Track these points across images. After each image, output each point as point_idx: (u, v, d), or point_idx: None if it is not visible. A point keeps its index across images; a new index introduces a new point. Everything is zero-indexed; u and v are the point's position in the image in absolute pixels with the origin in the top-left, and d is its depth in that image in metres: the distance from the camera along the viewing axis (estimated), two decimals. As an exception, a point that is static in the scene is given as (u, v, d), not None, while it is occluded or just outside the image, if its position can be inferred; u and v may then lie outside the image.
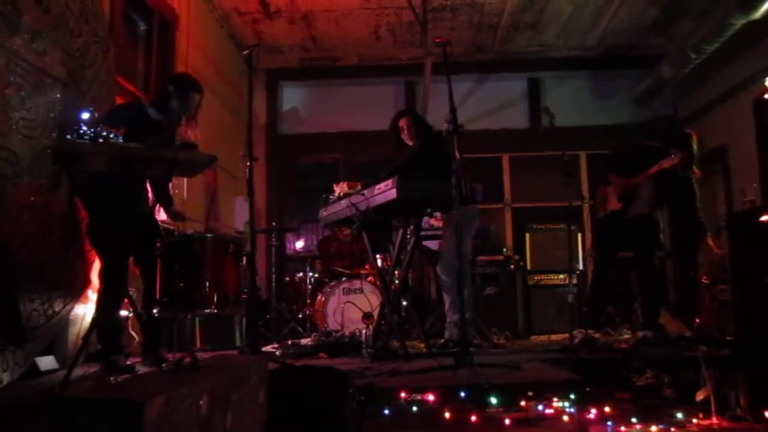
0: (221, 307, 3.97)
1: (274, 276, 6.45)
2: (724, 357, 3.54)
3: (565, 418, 2.66)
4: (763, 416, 2.86)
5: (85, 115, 2.86)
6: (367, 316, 4.14)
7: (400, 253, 4.31)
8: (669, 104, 8.01)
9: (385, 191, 3.66)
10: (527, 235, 6.48)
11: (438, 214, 4.78)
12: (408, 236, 4.27)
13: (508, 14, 7.03)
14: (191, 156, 3.23)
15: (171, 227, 4.10)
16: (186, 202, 5.06)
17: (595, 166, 7.66)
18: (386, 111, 5.15)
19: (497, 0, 6.73)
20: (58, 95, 3.41)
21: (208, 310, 3.97)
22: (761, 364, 3.26)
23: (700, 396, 3.13)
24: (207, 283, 3.85)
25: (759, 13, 5.29)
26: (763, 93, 4.27)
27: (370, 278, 5.42)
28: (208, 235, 4.10)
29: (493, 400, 2.63)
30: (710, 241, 4.66)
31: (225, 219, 6.59)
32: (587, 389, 2.80)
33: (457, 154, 3.37)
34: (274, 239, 6.55)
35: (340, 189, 4.27)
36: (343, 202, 4.12)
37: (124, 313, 3.66)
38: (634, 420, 2.73)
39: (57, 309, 3.36)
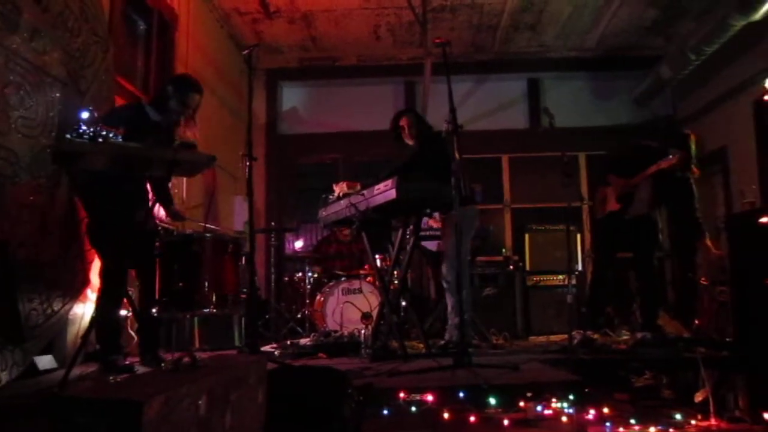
0: (220, 307, 3.97)
1: (273, 276, 6.45)
2: (723, 358, 3.54)
3: (564, 418, 2.66)
4: (762, 418, 2.86)
5: (85, 115, 2.85)
6: (366, 317, 4.14)
7: (400, 254, 4.31)
8: (668, 105, 8.02)
9: (385, 191, 3.66)
10: (526, 236, 6.48)
11: (437, 214, 4.78)
12: (407, 236, 4.26)
13: (507, 15, 7.04)
14: (190, 156, 3.23)
15: (170, 227, 4.10)
16: (185, 201, 5.07)
17: (595, 167, 7.66)
18: (386, 111, 5.15)
19: (497, 0, 6.74)
20: (58, 94, 3.41)
21: (207, 310, 3.97)
22: (760, 366, 3.26)
23: (698, 397, 3.13)
24: (206, 283, 3.85)
25: (759, 15, 5.30)
26: (763, 94, 4.27)
27: (369, 278, 5.43)
28: (207, 234, 4.10)
29: (492, 401, 2.63)
30: (708, 242, 4.66)
31: (224, 219, 6.59)
32: (586, 390, 2.80)
33: (457, 155, 3.37)
34: (273, 239, 6.56)
35: (339, 189, 4.27)
36: (343, 202, 4.12)
37: (123, 312, 3.66)
38: (632, 421, 2.73)
39: (56, 308, 3.36)
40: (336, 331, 4.74)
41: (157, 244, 3.73)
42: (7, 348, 2.96)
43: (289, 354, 4.09)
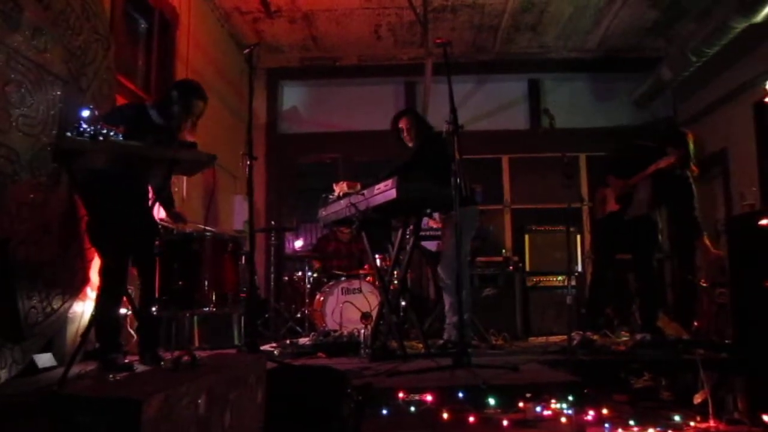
0: (220, 306, 3.97)
1: (272, 275, 6.45)
2: (722, 360, 3.54)
3: (563, 419, 2.66)
4: (761, 420, 2.86)
5: (85, 113, 2.85)
6: (365, 316, 4.14)
7: (399, 254, 4.31)
8: (669, 107, 8.02)
9: (385, 191, 3.66)
10: (526, 237, 6.48)
11: (437, 215, 4.78)
12: (407, 236, 4.26)
13: (508, 15, 7.04)
14: (191, 155, 3.23)
15: (170, 226, 4.10)
16: (185, 201, 5.07)
17: (595, 168, 7.67)
18: (386, 111, 5.15)
19: (498, 1, 6.73)
20: (59, 93, 3.41)
21: (207, 309, 3.97)
22: (759, 368, 3.26)
23: (697, 399, 3.13)
24: (206, 282, 3.86)
25: (760, 17, 5.29)
26: (764, 97, 4.28)
27: (368, 278, 5.43)
28: (207, 233, 4.10)
29: (491, 401, 2.63)
30: (706, 241, 4.66)
31: (224, 218, 6.59)
32: (585, 391, 2.80)
33: (457, 155, 3.37)
34: (273, 238, 6.55)
35: (339, 189, 4.27)
36: (343, 202, 4.12)
37: (122, 311, 3.66)
38: (631, 422, 2.73)
39: (55, 307, 3.36)
40: (335, 331, 4.74)
41: (157, 242, 3.72)
42: (6, 346, 2.96)
43: (289, 353, 4.09)
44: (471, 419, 2.60)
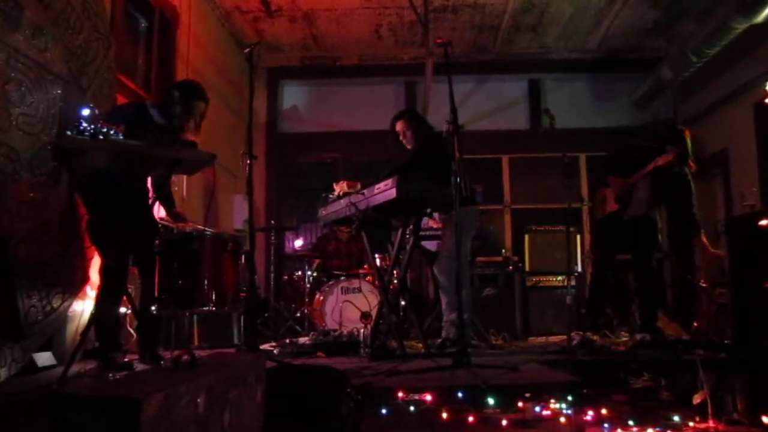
0: (219, 305, 3.96)
1: (272, 274, 6.44)
2: (722, 360, 3.54)
3: (562, 419, 2.66)
4: (760, 420, 2.86)
5: (86, 112, 2.85)
6: (365, 316, 4.14)
7: (399, 253, 4.31)
8: (669, 107, 8.02)
9: (385, 191, 3.66)
10: (526, 237, 6.48)
11: (437, 214, 4.78)
12: (407, 236, 4.27)
13: (509, 15, 7.04)
14: (191, 154, 3.23)
15: (170, 225, 4.10)
16: (185, 200, 5.07)
17: (595, 169, 7.67)
18: (387, 111, 5.15)
19: (498, 1, 6.74)
20: (59, 92, 3.41)
21: (207, 308, 3.96)
22: (759, 369, 3.26)
23: (696, 399, 3.13)
24: (205, 281, 3.85)
25: (760, 18, 5.29)
26: (764, 97, 4.27)
27: (368, 278, 5.43)
28: (207, 233, 4.10)
29: (491, 401, 2.63)
30: (704, 238, 4.66)
31: (224, 217, 6.59)
32: (584, 391, 2.80)
33: (457, 155, 3.37)
34: (273, 238, 6.55)
35: (339, 188, 4.27)
36: (343, 202, 4.12)
37: (122, 310, 3.66)
38: (630, 422, 2.73)
39: (55, 305, 3.36)
40: (335, 330, 4.74)
41: (156, 241, 3.72)
42: (6, 345, 2.96)
43: (288, 353, 4.09)
44: (470, 419, 2.60)
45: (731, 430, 2.86)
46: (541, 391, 2.73)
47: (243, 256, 4.29)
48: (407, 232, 4.26)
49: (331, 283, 5.46)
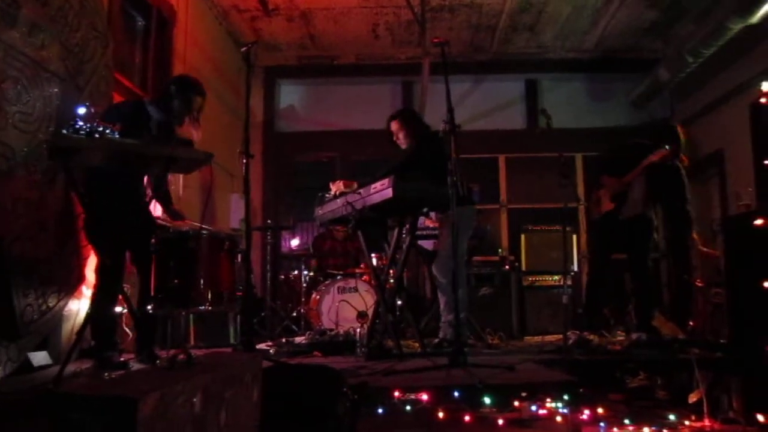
0: (216, 305, 3.95)
1: (269, 274, 6.45)
2: (717, 360, 3.55)
3: (558, 418, 2.67)
4: (756, 419, 2.87)
5: (82, 110, 2.85)
6: (361, 315, 4.15)
7: (396, 253, 4.31)
8: (666, 107, 8.04)
9: (382, 190, 3.66)
10: (522, 236, 6.50)
11: (433, 214, 4.78)
12: (404, 235, 4.26)
13: (506, 15, 7.04)
14: (187, 153, 3.22)
15: (167, 224, 4.09)
16: (182, 199, 5.05)
17: (591, 169, 7.67)
18: (384, 110, 5.16)
19: (496, 1, 6.74)
20: (56, 90, 3.40)
21: (203, 307, 3.95)
22: (754, 368, 3.28)
23: (692, 398, 3.14)
24: (202, 280, 3.84)
25: (756, 18, 5.31)
26: (760, 97, 4.28)
27: (365, 277, 5.42)
28: (204, 232, 4.09)
29: (487, 401, 2.63)
30: (695, 236, 4.69)
31: (221, 216, 6.58)
32: (580, 390, 2.81)
33: (454, 154, 3.37)
34: (269, 237, 6.54)
35: (336, 187, 4.26)
36: (339, 201, 4.11)
37: (118, 309, 3.65)
38: (626, 421, 2.74)
39: (51, 304, 3.35)
40: (331, 330, 4.74)
41: (153, 240, 3.72)
42: (1, 344, 2.95)
43: (285, 352, 4.09)
44: (466, 418, 2.61)
45: (727, 429, 2.88)
46: (537, 390, 2.74)
47: (239, 255, 4.27)
48: (404, 232, 4.26)
49: (327, 282, 5.46)
